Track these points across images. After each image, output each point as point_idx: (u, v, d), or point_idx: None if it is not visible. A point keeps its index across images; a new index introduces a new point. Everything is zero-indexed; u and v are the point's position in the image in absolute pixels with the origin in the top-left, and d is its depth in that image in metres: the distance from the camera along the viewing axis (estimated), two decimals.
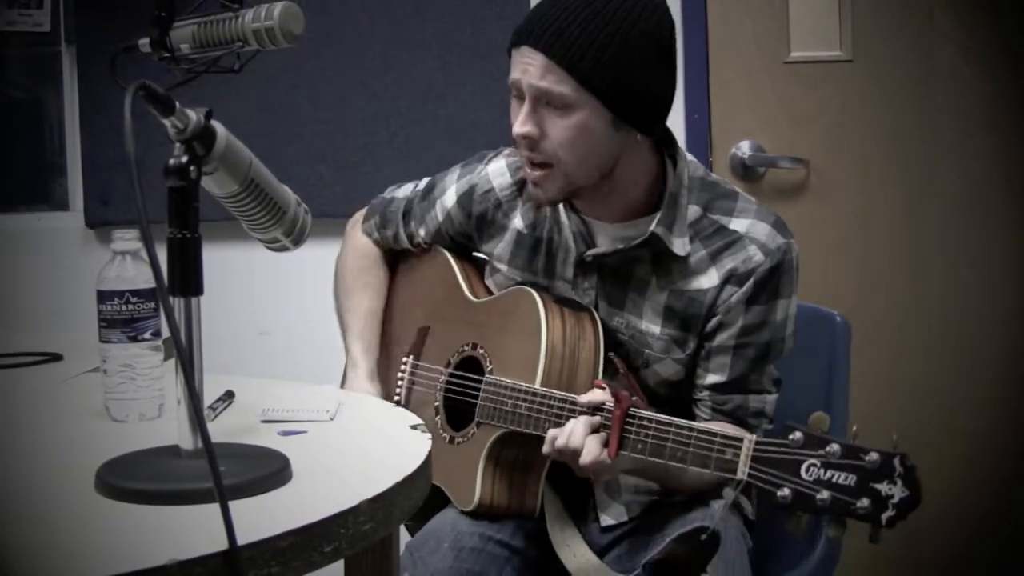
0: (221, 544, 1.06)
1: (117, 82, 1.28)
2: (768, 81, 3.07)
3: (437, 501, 1.94)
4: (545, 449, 1.77)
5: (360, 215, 2.25)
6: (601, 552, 1.93)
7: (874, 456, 1.45)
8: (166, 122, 1.26)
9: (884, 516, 1.44)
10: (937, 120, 3.08)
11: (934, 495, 2.93)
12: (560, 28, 1.74)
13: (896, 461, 1.45)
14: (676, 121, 3.04)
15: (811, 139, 3.08)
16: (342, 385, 2.21)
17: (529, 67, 1.76)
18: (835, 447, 1.48)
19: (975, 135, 3.07)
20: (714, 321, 1.87)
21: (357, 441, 1.53)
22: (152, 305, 1.59)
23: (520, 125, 1.79)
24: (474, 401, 1.93)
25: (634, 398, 1.72)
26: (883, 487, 1.45)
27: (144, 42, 1.39)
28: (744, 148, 3.09)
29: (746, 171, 3.10)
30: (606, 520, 1.96)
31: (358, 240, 2.24)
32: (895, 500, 1.44)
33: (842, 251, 3.11)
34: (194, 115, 1.27)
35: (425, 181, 2.16)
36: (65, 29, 3.05)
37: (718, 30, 3.07)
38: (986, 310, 3.11)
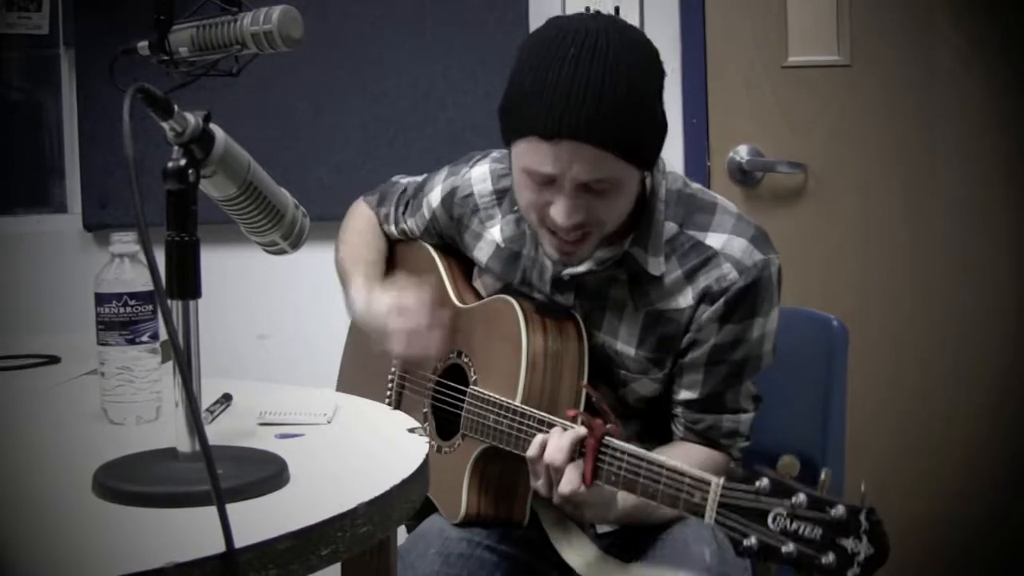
0: (219, 547, 1.06)
1: (116, 85, 1.28)
2: (766, 86, 3.08)
3: (430, 502, 1.94)
4: (530, 452, 1.75)
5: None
6: None
7: (840, 510, 1.43)
8: (164, 125, 1.26)
9: (849, 573, 1.42)
10: (936, 124, 3.08)
11: (933, 499, 2.97)
12: (602, 114, 1.66)
13: (862, 516, 1.42)
14: (674, 126, 3.04)
15: (809, 144, 3.09)
16: (339, 380, 2.20)
17: (574, 162, 1.68)
18: (801, 497, 1.45)
19: (975, 139, 3.08)
20: (687, 338, 1.86)
21: (354, 444, 1.53)
22: (150, 308, 1.59)
23: (568, 218, 1.72)
24: (459, 411, 1.92)
25: (608, 426, 1.69)
26: (849, 543, 1.42)
27: (143, 45, 1.39)
28: (742, 153, 3.10)
29: (744, 176, 3.10)
30: (601, 528, 1.95)
31: (360, 209, 2.25)
32: (860, 558, 1.42)
33: (841, 256, 3.11)
34: (192, 118, 1.28)
35: (424, 176, 2.16)
36: (64, 32, 3.06)
37: (716, 35, 3.08)
38: (986, 315, 3.11)
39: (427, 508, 1.93)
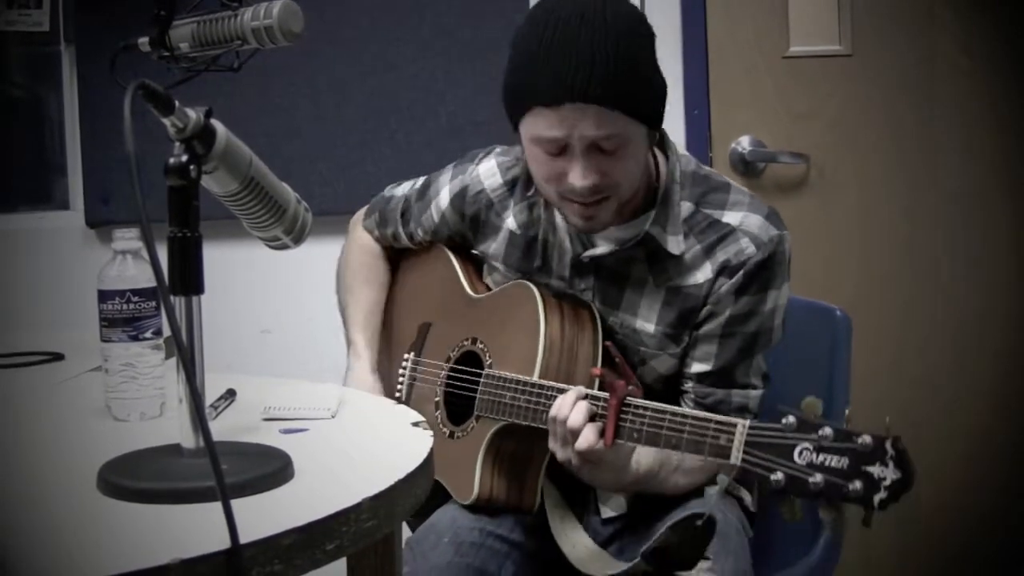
0: (224, 543, 1.06)
1: (117, 81, 1.28)
2: (768, 76, 3.07)
3: (438, 496, 1.95)
4: (552, 412, 1.77)
5: (361, 213, 2.27)
6: (603, 543, 1.94)
7: (866, 439, 1.45)
8: (166, 121, 1.26)
9: (876, 498, 1.43)
10: (937, 114, 3.08)
11: (934, 492, 2.98)
12: (599, 74, 1.70)
13: (888, 444, 1.44)
14: (676, 117, 3.04)
15: (811, 134, 3.08)
16: (345, 378, 2.21)
17: (581, 122, 1.72)
18: (827, 431, 1.47)
19: (975, 129, 3.07)
20: (704, 311, 1.88)
21: (359, 439, 1.54)
22: (153, 304, 1.59)
23: (583, 179, 1.76)
24: (474, 396, 1.94)
25: (630, 387, 1.73)
26: (875, 469, 1.43)
27: (143, 41, 1.39)
28: (744, 143, 3.09)
29: (746, 166, 3.10)
30: (607, 512, 1.97)
31: (359, 237, 2.25)
32: (887, 482, 1.43)
33: (842, 246, 3.11)
34: (194, 114, 1.27)
35: (421, 180, 2.16)
36: (64, 28, 3.05)
37: (717, 25, 3.07)
38: (987, 306, 3.11)
39: (428, 504, 1.94)
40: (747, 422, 1.59)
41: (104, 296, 1.59)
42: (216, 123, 1.30)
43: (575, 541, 1.90)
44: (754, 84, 3.08)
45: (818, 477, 1.47)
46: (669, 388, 1.94)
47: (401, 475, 1.30)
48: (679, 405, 1.92)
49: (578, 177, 1.76)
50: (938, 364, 3.12)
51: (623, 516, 1.97)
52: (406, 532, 1.98)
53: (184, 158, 1.26)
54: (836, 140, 3.09)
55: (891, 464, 1.43)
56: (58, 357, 2.00)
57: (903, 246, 3.11)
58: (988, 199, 3.09)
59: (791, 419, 1.51)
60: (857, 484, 1.45)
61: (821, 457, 1.47)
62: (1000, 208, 3.10)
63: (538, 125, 1.75)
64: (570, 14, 1.73)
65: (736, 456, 1.58)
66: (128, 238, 1.60)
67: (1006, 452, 3.10)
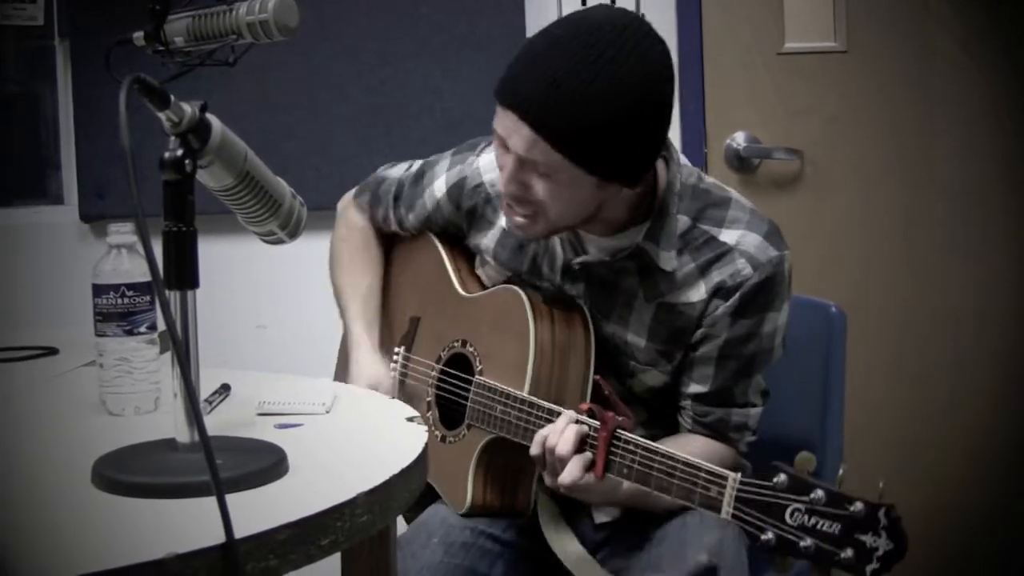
0: (218, 537, 1.06)
1: (112, 76, 1.28)
2: (763, 72, 3.07)
3: (432, 492, 1.94)
4: (533, 451, 1.76)
5: (350, 195, 2.23)
6: (594, 549, 1.93)
7: (859, 506, 1.44)
8: (161, 115, 1.26)
9: (868, 568, 1.43)
10: (934, 111, 3.08)
11: (934, 491, 2.98)
12: (548, 100, 1.65)
13: (881, 513, 1.43)
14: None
15: (806, 130, 3.08)
16: (336, 370, 2.20)
17: (514, 135, 1.70)
18: (820, 493, 1.46)
19: (973, 125, 3.07)
20: (700, 332, 1.85)
21: (354, 434, 1.54)
22: (148, 298, 1.59)
23: (505, 184, 1.77)
24: (464, 401, 1.92)
25: (620, 419, 1.70)
26: (868, 538, 1.43)
27: (138, 35, 1.39)
28: (739, 139, 3.09)
29: (741, 163, 3.10)
30: (600, 517, 1.95)
31: (352, 218, 2.21)
32: (879, 553, 1.42)
33: (838, 243, 3.10)
34: (189, 108, 1.27)
35: (418, 164, 2.13)
36: (59, 22, 3.04)
37: (713, 21, 3.07)
38: (985, 303, 3.11)
39: (427, 498, 1.93)
40: (738, 476, 1.57)
41: (99, 290, 1.59)
42: (211, 117, 1.30)
43: (568, 549, 1.89)
44: (750, 80, 3.08)
45: (809, 541, 1.47)
46: (658, 399, 1.93)
47: (396, 470, 1.30)
48: (675, 420, 1.92)
49: (503, 180, 1.77)
50: (937, 363, 3.11)
51: (615, 522, 1.95)
52: (402, 527, 1.98)
53: (179, 152, 1.26)
54: (832, 136, 3.09)
55: (884, 534, 1.42)
56: (52, 351, 2.00)
57: (900, 243, 3.11)
58: (986, 196, 3.09)
59: (783, 478, 1.50)
60: (849, 552, 1.44)
61: (813, 520, 1.47)
62: (998, 205, 3.10)
63: (496, 116, 1.76)
64: (578, 30, 1.68)
65: (727, 511, 1.57)
66: (123, 232, 1.60)
67: (1006, 452, 3.10)
